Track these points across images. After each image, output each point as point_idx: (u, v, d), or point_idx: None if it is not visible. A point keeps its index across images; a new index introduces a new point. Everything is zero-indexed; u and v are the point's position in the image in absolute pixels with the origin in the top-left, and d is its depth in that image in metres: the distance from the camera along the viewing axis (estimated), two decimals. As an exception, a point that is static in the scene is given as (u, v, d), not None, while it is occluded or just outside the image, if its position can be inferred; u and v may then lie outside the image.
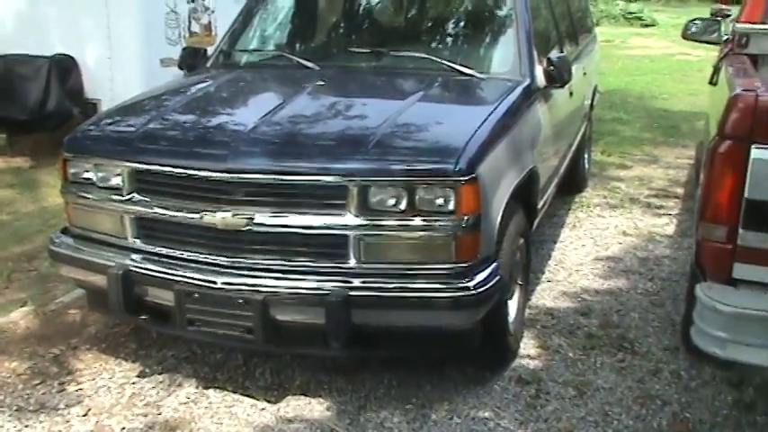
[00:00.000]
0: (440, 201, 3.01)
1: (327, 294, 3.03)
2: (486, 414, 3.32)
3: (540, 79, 4.04)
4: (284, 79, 4.30)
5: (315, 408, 3.36)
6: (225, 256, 3.19)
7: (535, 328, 4.06)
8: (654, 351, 3.85)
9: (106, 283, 3.33)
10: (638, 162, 7.47)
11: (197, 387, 3.50)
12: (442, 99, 3.91)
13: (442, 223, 3.02)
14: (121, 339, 3.91)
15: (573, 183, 6.06)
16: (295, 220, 3.08)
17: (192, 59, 4.63)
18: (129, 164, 3.33)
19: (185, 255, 3.27)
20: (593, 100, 6.51)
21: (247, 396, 3.43)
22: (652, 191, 6.53)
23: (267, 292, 3.09)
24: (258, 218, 3.09)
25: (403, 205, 3.02)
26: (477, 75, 3.98)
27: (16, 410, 3.33)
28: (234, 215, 3.10)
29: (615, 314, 4.25)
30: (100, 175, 3.41)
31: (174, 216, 3.25)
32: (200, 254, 3.23)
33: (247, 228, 3.10)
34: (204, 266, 3.21)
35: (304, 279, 3.11)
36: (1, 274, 4.66)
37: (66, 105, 6.98)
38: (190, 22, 7.32)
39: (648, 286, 4.62)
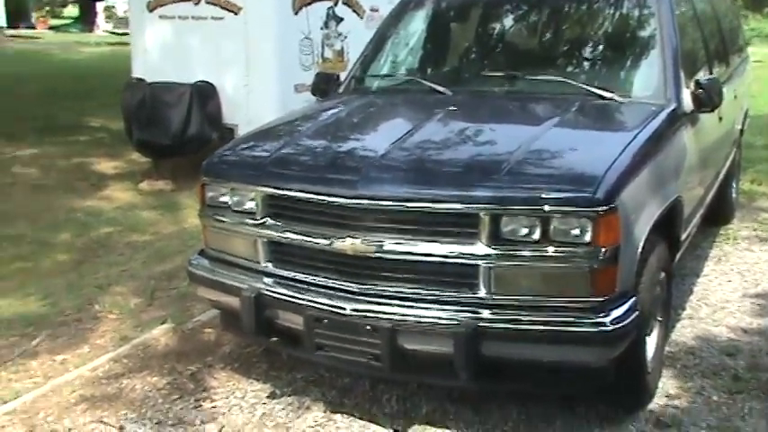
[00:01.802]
0: (576, 231, 2.89)
1: (456, 325, 2.96)
2: (622, 458, 3.15)
3: (688, 103, 3.84)
4: (416, 104, 4.27)
5: (440, 439, 3.29)
6: (354, 283, 3.17)
7: (675, 367, 3.82)
8: (810, 399, 3.55)
9: (239, 305, 3.39)
10: (791, 192, 6.99)
11: (324, 411, 3.50)
12: (579, 125, 3.77)
13: (577, 255, 2.90)
14: (253, 360, 3.98)
15: (719, 213, 5.70)
16: (425, 247, 3.03)
17: (324, 85, 4.70)
18: (262, 188, 3.39)
19: (315, 280, 3.28)
20: (743, 125, 6.14)
21: (374, 423, 3.40)
22: (808, 224, 6.07)
23: (395, 320, 3.05)
24: (388, 245, 3.07)
25: (537, 235, 2.91)
26: (618, 99, 3.81)
27: (156, 423, 3.45)
28: (363, 242, 3.09)
29: (766, 356, 3.94)
30: (235, 199, 3.49)
31: (305, 241, 3.27)
32: (330, 279, 3.24)
33: (377, 254, 3.08)
34: (334, 292, 3.21)
35: (433, 308, 3.05)
36: (145, 291, 4.88)
37: (205, 130, 7.25)
38: (323, 48, 7.48)
39: (803, 327, 4.27)
